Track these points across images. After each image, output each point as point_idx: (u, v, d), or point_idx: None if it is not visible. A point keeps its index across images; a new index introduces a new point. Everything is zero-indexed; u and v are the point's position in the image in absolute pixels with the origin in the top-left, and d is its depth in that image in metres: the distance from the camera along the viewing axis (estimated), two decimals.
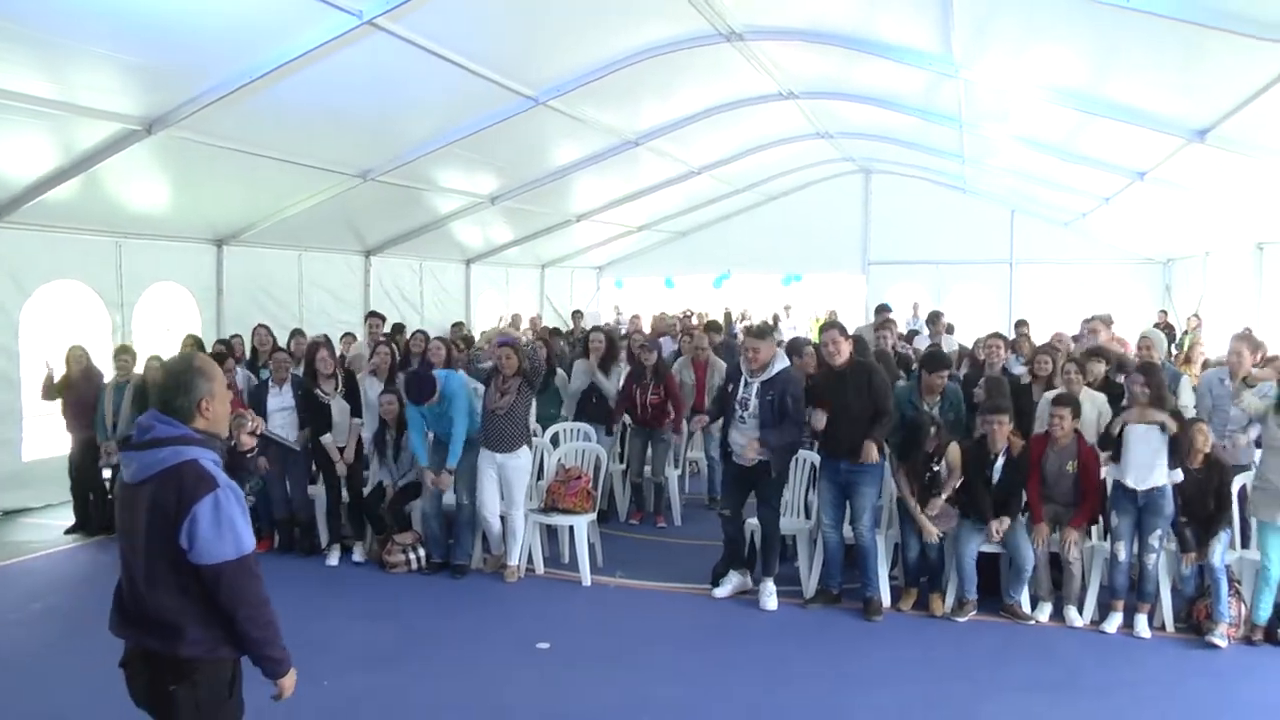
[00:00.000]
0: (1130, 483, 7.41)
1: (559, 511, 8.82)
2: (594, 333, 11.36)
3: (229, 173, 11.55)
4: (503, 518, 8.76)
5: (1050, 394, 8.29)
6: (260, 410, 8.95)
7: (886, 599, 8.00)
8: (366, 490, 9.43)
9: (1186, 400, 8.63)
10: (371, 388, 9.77)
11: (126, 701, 3.71)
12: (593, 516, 9.07)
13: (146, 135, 9.51)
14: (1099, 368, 9.03)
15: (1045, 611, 7.65)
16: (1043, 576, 7.71)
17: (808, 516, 8.62)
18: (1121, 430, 7.50)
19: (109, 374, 10.57)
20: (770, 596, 8.07)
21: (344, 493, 9.40)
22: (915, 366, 9.71)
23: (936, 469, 7.96)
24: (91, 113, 9.11)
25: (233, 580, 3.48)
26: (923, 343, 13.77)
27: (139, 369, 10.35)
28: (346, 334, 13.69)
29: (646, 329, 18.26)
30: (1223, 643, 7.07)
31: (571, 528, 8.88)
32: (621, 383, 10.78)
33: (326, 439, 9.27)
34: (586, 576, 8.65)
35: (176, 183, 11.86)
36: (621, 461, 11.05)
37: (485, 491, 8.64)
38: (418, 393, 8.58)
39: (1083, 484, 7.76)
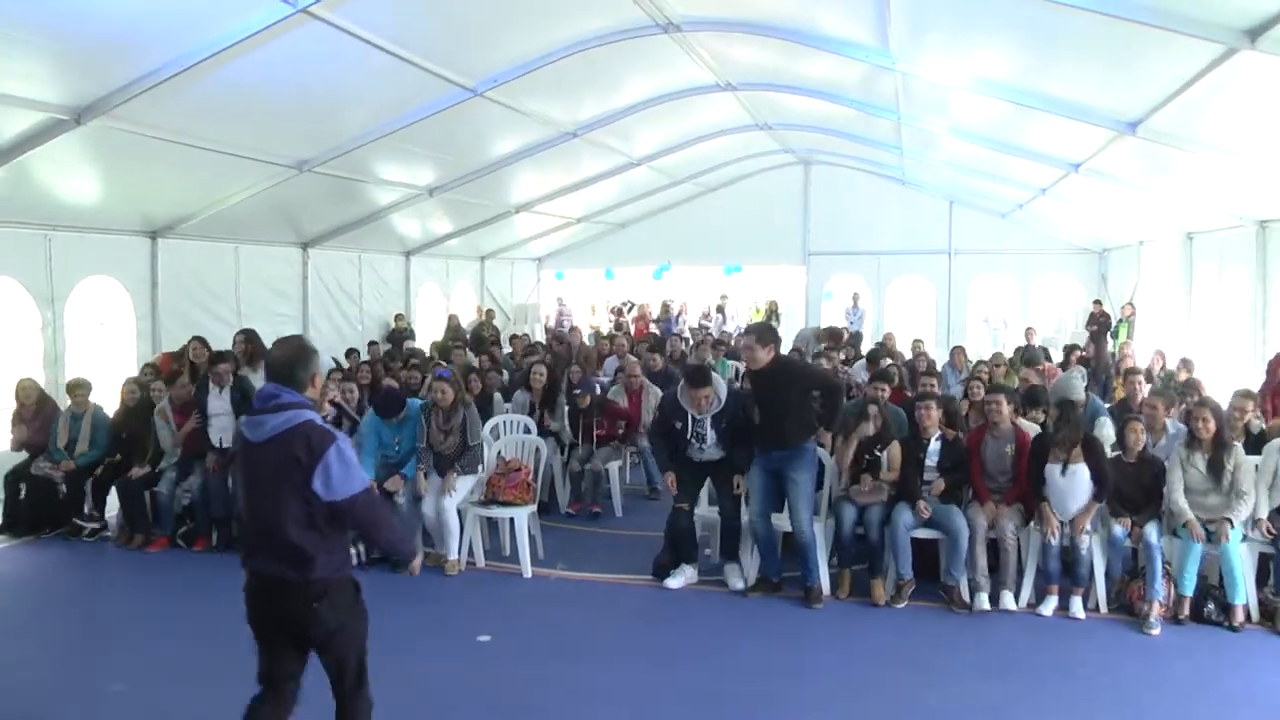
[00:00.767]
0: (1056, 514, 7.71)
1: (499, 504, 8.80)
2: (536, 366, 11.44)
3: (162, 163, 11.32)
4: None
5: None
6: (202, 412, 9.30)
7: (827, 587, 8.07)
8: None
9: (1108, 433, 8.88)
10: None
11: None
12: (533, 508, 9.08)
13: (75, 125, 9.28)
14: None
15: (983, 600, 7.73)
16: (979, 560, 7.80)
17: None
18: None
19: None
20: (736, 577, 8.24)
21: None
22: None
23: (879, 455, 8.14)
24: (15, 101, 8.84)
25: (364, 506, 4.40)
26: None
27: (93, 398, 10.40)
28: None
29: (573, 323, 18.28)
30: (1157, 629, 7.25)
31: (512, 520, 8.85)
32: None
33: None
34: (528, 568, 8.64)
35: (108, 173, 11.61)
36: (562, 453, 11.05)
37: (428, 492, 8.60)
38: (387, 407, 8.84)
39: (1017, 467, 8.03)
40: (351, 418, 9.45)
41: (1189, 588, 7.42)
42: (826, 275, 24.51)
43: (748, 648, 7.11)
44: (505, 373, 13.65)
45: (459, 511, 8.71)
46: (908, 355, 14.98)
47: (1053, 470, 7.71)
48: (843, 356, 13.73)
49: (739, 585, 8.21)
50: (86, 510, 9.92)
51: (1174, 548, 7.57)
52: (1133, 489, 7.74)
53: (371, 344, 17.02)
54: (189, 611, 7.80)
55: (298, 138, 12.08)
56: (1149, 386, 10.20)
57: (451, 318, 21.66)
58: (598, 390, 11.72)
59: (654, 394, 11.65)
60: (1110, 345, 18.32)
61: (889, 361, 12.47)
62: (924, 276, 23.88)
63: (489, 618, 7.55)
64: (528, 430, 10.25)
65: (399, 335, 19.16)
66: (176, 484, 9.55)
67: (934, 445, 8.16)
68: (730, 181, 24.12)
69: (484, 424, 9.97)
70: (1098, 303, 20.64)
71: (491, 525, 9.40)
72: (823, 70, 12.97)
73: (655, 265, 25.96)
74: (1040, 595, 7.74)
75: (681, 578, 8.31)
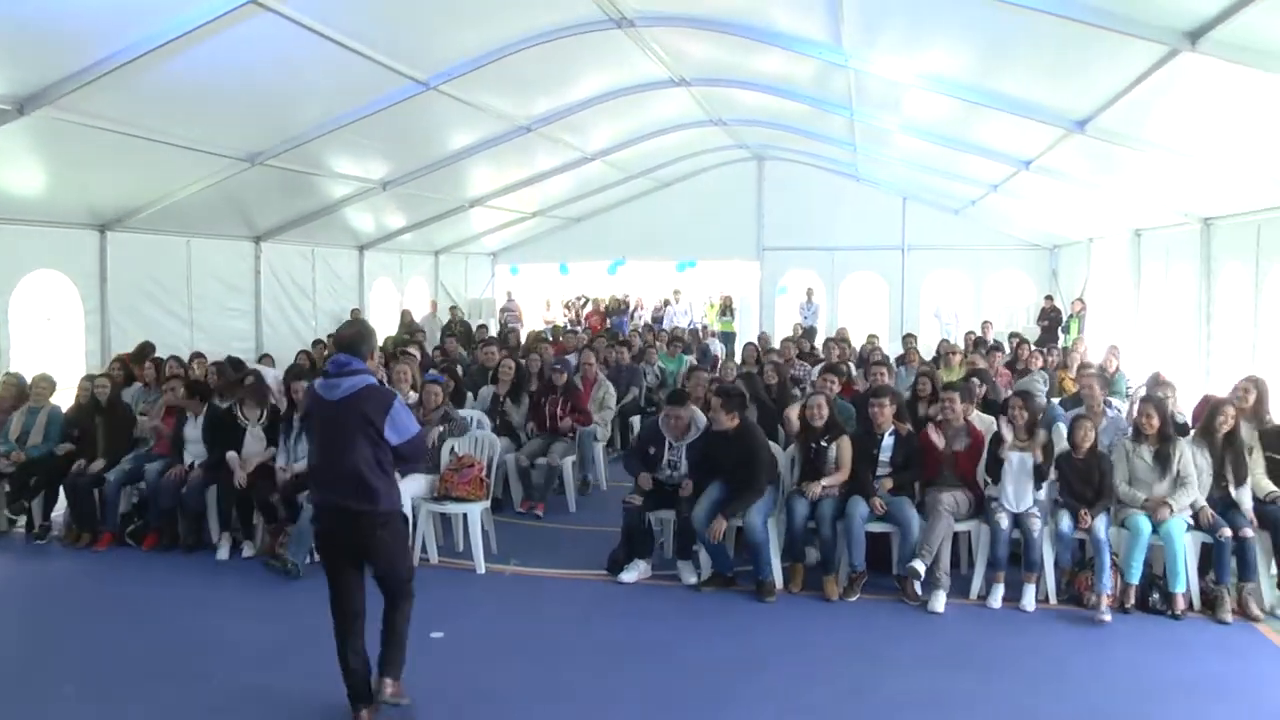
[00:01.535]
0: (1008, 505, 7.81)
1: (452, 500, 8.76)
2: (505, 361, 11.49)
3: (110, 155, 11.17)
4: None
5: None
6: (179, 436, 9.54)
7: (780, 582, 8.12)
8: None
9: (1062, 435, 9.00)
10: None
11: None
12: (486, 504, 9.04)
13: (19, 116, 9.14)
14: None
15: (940, 600, 7.70)
16: (943, 559, 7.84)
17: None
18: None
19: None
20: (690, 572, 8.28)
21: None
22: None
23: (825, 446, 8.22)
24: None
25: (417, 441, 5.71)
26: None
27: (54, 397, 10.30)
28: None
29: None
30: (1108, 617, 7.36)
31: (465, 516, 8.82)
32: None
33: (231, 455, 9.17)
34: (481, 565, 8.61)
35: (54, 165, 11.45)
36: (518, 448, 11.04)
37: None
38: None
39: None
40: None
41: (1135, 576, 7.54)
42: (781, 271, 24.66)
43: (701, 642, 7.13)
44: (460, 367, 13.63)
45: (412, 508, 8.67)
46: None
47: (1010, 456, 7.82)
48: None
49: (692, 580, 8.24)
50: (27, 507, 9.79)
51: (1121, 538, 7.69)
52: (1082, 485, 7.85)
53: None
54: (140, 610, 7.69)
55: (249, 130, 11.98)
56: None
57: (404, 313, 21.55)
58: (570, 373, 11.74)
59: (606, 388, 11.85)
60: (1062, 340, 18.56)
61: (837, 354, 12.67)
62: (877, 272, 24.09)
63: (442, 614, 7.49)
64: (480, 425, 10.22)
65: None
66: (123, 484, 9.46)
67: (888, 440, 8.24)
68: (684, 177, 24.20)
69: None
70: (1049, 298, 20.91)
71: (445, 521, 9.35)
72: (776, 66, 13.04)
73: (610, 260, 25.98)
74: (989, 586, 7.81)
75: (635, 572, 8.32)
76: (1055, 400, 10.79)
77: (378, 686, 5.70)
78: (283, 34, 9.08)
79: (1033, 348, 14.15)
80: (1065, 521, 7.71)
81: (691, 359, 15.94)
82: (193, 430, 9.52)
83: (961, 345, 14.57)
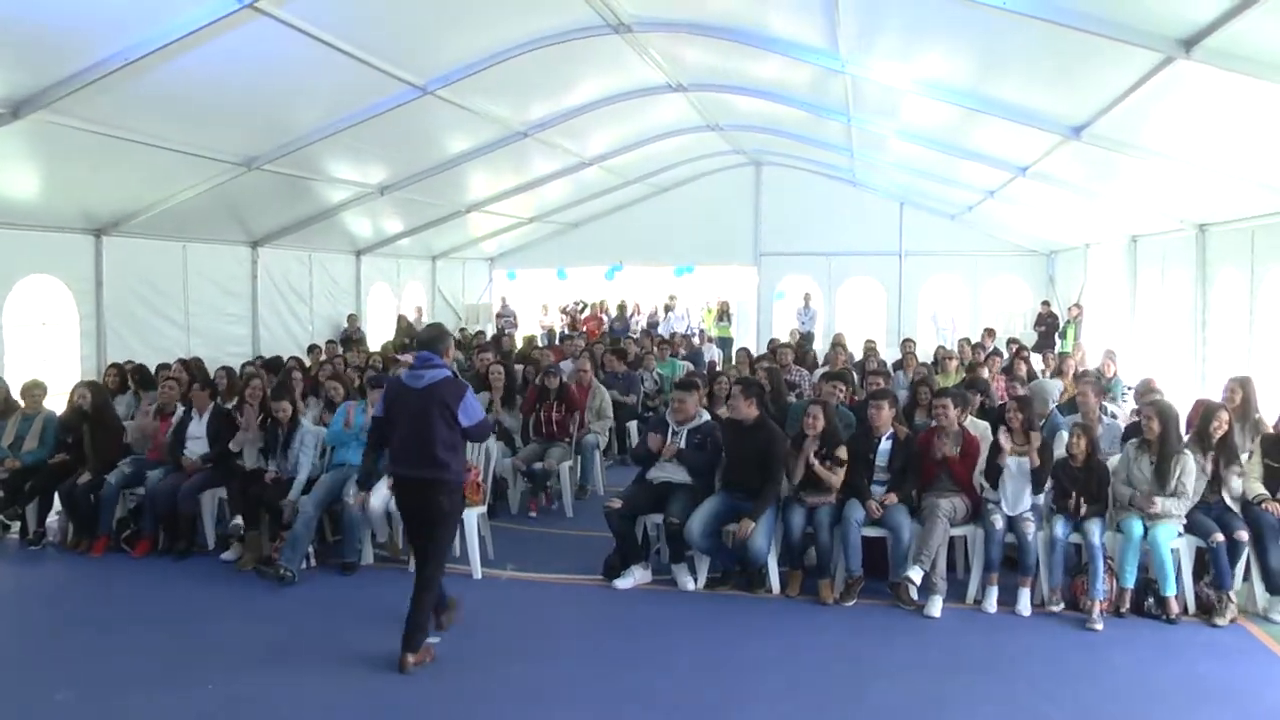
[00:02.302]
0: (1006, 509, 7.85)
1: None
2: (494, 367, 11.45)
3: (106, 160, 11.15)
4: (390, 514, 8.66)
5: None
6: (180, 433, 9.57)
7: (776, 585, 8.13)
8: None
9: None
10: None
11: None
12: (483, 509, 9.03)
13: (13, 119, 9.13)
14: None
15: (936, 605, 7.70)
16: (940, 563, 7.84)
17: None
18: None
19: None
20: (686, 576, 8.29)
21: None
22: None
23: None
24: None
25: (484, 424, 6.88)
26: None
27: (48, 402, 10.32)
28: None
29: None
30: (1100, 625, 7.36)
31: (461, 520, 8.78)
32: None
33: (239, 437, 9.32)
34: (477, 569, 8.59)
35: (49, 169, 11.43)
36: (513, 453, 11.03)
37: (375, 494, 8.49)
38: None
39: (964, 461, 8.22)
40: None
41: (1129, 579, 7.56)
42: (778, 276, 24.64)
43: (697, 647, 7.12)
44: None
45: None
46: (859, 356, 15.06)
47: (1009, 461, 7.83)
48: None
49: (689, 585, 8.23)
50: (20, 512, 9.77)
51: (1116, 542, 7.69)
52: (1079, 492, 7.85)
53: (329, 343, 16.98)
54: (136, 615, 7.68)
55: (246, 134, 11.97)
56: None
57: (401, 318, 21.56)
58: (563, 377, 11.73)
59: (602, 395, 11.88)
60: (1059, 345, 18.56)
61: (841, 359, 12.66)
62: (875, 277, 24.06)
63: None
64: None
65: (351, 336, 19.06)
66: (122, 488, 9.43)
67: (885, 444, 8.24)
68: (682, 182, 24.19)
69: None
70: (1045, 304, 20.93)
71: None
72: (773, 72, 13.05)
73: (607, 265, 25.96)
74: (984, 590, 7.82)
75: (631, 579, 8.31)
76: (1053, 405, 10.77)
77: (401, 662, 6.48)
78: (279, 38, 9.07)
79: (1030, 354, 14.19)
80: (1060, 527, 7.71)
81: (687, 364, 15.92)
82: (196, 427, 9.52)
83: (957, 351, 14.55)
